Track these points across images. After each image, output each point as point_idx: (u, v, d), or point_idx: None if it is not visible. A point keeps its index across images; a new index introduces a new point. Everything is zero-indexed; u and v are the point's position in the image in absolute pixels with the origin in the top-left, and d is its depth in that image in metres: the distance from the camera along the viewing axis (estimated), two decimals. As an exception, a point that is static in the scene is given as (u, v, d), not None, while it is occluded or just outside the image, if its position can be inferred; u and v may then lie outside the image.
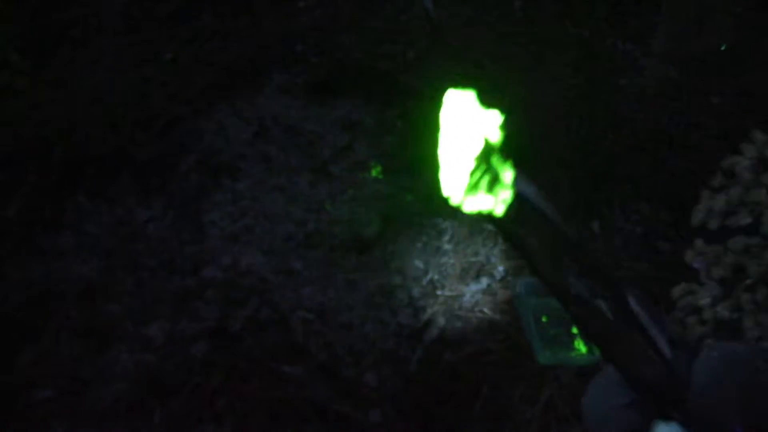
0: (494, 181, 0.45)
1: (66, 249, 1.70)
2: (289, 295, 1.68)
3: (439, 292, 1.74)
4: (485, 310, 1.70)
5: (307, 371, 1.54)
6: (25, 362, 1.51)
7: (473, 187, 0.45)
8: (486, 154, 0.45)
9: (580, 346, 1.44)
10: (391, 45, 2.28)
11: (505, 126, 0.46)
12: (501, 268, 1.77)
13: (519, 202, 0.46)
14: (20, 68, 2.01)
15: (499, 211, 0.46)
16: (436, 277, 1.76)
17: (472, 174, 0.45)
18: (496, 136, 0.46)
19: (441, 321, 1.69)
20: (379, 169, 1.96)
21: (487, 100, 0.46)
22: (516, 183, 0.45)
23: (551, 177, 1.96)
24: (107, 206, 1.80)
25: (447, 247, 1.83)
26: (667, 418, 0.46)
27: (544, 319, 1.48)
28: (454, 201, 0.46)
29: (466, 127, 0.45)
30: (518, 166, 0.46)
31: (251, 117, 2.03)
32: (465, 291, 1.73)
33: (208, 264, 1.71)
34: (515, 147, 0.46)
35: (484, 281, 1.75)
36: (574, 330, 1.66)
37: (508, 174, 0.45)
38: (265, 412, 1.45)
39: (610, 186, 1.98)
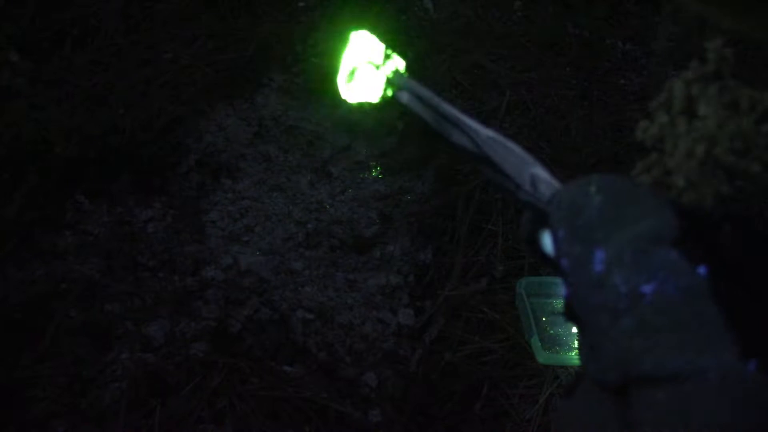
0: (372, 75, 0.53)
1: (66, 249, 1.70)
2: (289, 295, 1.68)
3: (439, 292, 1.74)
4: (485, 310, 1.70)
5: (307, 371, 1.55)
6: (25, 362, 1.51)
7: (352, 77, 0.54)
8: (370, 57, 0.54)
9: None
10: (390, 45, 2.28)
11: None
12: (501, 268, 1.77)
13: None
14: (20, 68, 2.01)
15: (375, 99, 0.53)
16: (436, 276, 1.77)
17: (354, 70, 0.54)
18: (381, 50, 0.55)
19: (441, 321, 1.69)
20: (379, 169, 1.96)
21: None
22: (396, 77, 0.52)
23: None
24: (107, 206, 1.80)
25: (447, 246, 1.83)
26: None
27: (544, 319, 1.48)
28: (344, 97, 0.55)
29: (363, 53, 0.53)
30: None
31: (251, 117, 2.03)
32: (465, 291, 1.74)
33: (208, 264, 1.71)
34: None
35: (484, 281, 1.75)
36: (574, 329, 1.66)
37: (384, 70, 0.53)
38: (265, 412, 1.45)
39: (610, 186, 1.98)
